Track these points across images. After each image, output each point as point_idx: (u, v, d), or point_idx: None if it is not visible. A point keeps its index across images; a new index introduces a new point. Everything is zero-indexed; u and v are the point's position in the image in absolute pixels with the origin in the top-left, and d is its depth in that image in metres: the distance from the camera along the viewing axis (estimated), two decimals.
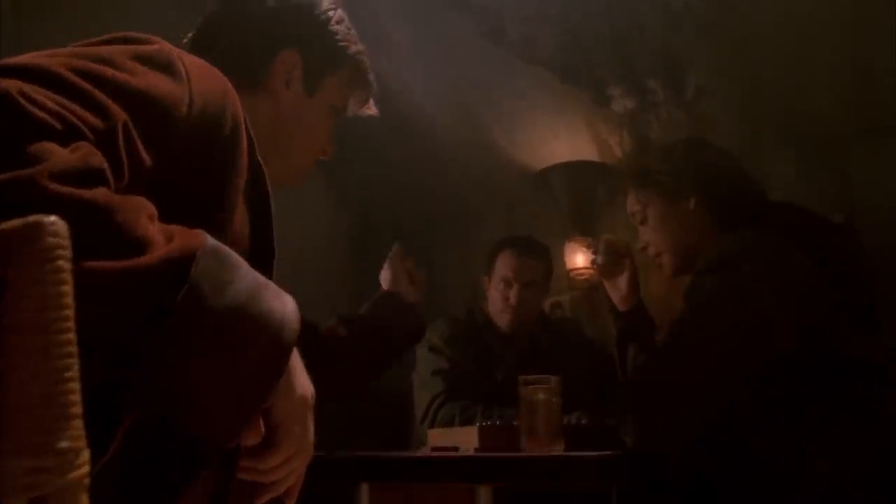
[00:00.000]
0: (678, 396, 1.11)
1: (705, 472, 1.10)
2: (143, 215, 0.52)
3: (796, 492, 1.05)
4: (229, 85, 0.72)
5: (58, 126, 0.50)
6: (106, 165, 0.52)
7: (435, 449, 1.46)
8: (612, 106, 2.71)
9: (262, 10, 0.97)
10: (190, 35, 1.00)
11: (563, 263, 2.74)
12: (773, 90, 2.44)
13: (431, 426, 1.92)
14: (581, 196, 2.69)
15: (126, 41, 0.66)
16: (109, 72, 0.57)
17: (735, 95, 2.52)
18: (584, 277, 2.70)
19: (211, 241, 0.54)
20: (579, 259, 2.65)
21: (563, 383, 2.24)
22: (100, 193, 0.49)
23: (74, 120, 0.51)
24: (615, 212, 2.86)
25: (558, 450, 1.06)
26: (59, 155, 0.48)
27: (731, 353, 1.11)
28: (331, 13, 1.02)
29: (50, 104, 0.50)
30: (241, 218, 0.72)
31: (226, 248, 0.56)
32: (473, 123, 2.99)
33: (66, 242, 0.39)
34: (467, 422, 1.87)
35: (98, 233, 0.48)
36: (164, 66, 0.63)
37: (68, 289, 0.39)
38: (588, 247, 2.71)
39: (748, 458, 1.08)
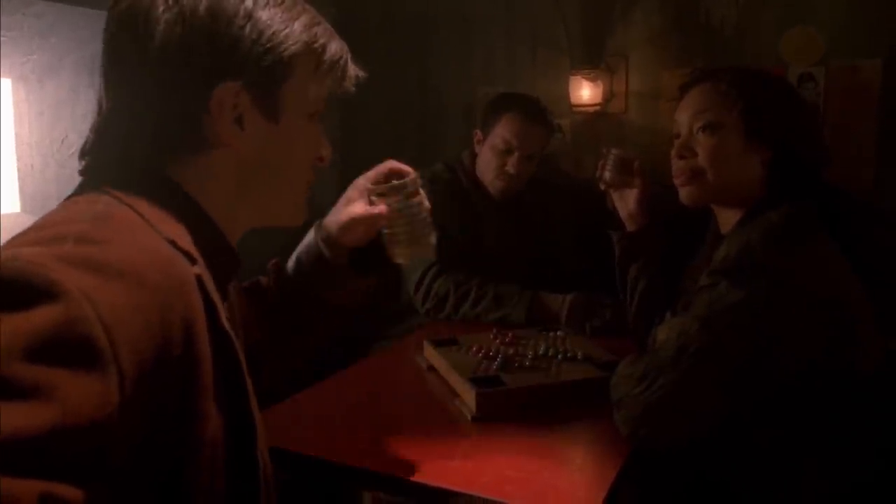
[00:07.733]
0: (683, 402, 1.07)
1: (702, 472, 1.12)
2: None
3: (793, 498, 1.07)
4: (172, 297, 0.57)
5: None
6: None
7: (430, 368, 1.51)
8: None
9: (164, 45, 0.66)
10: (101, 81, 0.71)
11: (567, 94, 2.57)
12: None
13: (426, 298, 1.95)
14: (594, 21, 2.42)
15: (11, 300, 0.47)
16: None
17: None
18: (587, 112, 2.55)
19: None
20: (584, 94, 2.47)
21: (556, 242, 2.27)
22: None
23: None
24: (627, 29, 2.62)
25: (425, 254, 0.98)
26: None
27: (745, 369, 1.02)
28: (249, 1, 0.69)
29: None
30: (213, 414, 0.62)
31: None
32: None
33: None
34: (461, 299, 1.88)
35: None
36: (75, 354, 0.47)
37: None
38: (593, 80, 2.53)
39: (746, 463, 1.09)
